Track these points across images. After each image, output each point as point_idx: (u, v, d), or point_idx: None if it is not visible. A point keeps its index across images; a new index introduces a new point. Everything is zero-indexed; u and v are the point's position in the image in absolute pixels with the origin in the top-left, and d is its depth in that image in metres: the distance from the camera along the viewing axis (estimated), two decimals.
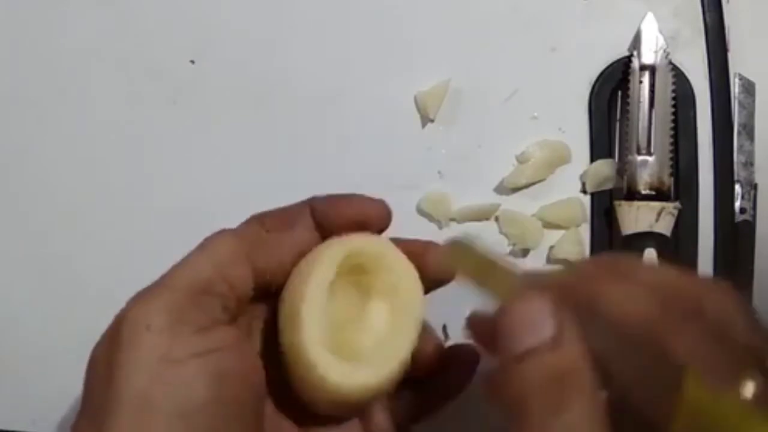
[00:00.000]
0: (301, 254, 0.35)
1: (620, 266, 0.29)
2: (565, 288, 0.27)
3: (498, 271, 0.29)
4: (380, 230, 0.37)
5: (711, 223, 0.49)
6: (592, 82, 0.49)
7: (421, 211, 0.50)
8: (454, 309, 0.50)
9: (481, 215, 0.50)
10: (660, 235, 0.47)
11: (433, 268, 0.36)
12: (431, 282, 0.36)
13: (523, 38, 0.50)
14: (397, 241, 0.37)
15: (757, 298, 0.50)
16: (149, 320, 0.31)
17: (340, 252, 0.34)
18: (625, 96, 0.48)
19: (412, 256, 0.36)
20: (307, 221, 0.36)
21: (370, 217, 0.36)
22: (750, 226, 0.49)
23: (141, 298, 0.32)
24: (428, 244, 0.37)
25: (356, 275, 0.35)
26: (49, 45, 0.51)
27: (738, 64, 0.49)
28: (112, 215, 0.51)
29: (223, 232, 0.35)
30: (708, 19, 0.49)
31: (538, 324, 0.26)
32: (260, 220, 0.36)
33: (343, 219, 0.35)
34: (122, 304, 0.33)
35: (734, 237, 0.49)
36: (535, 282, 0.28)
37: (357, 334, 0.35)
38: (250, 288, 0.34)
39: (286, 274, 0.35)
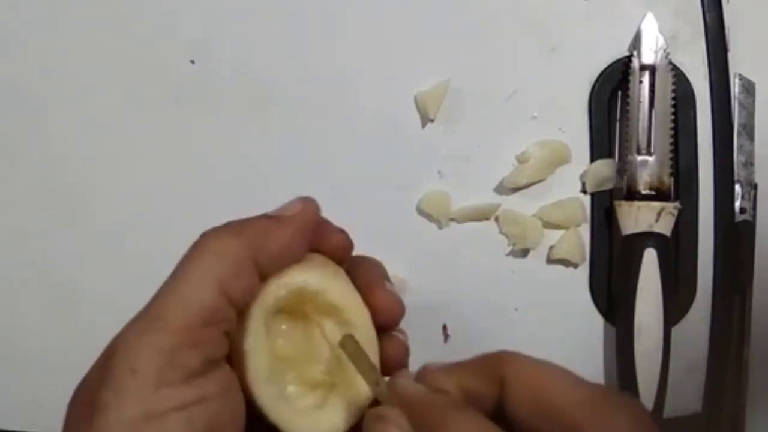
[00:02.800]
0: (306, 238, 0.33)
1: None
2: (418, 408, 0.30)
3: (372, 370, 0.32)
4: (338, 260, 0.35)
5: (711, 223, 0.49)
6: (592, 82, 0.49)
7: (421, 211, 0.50)
8: (454, 309, 0.50)
9: (481, 215, 0.50)
10: (660, 235, 0.47)
11: (380, 310, 0.34)
12: (377, 322, 0.34)
13: (523, 38, 0.50)
14: (356, 263, 0.35)
15: (757, 298, 0.50)
16: (136, 363, 0.28)
17: (280, 290, 0.32)
18: (625, 96, 0.48)
19: (362, 291, 0.34)
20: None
21: (337, 250, 0.35)
22: (750, 226, 0.49)
23: (132, 331, 0.29)
24: (377, 282, 0.35)
25: (304, 306, 0.34)
26: (48, 45, 0.51)
27: (738, 64, 0.49)
28: (112, 215, 0.51)
29: (220, 232, 0.31)
30: (708, 19, 0.49)
31: None
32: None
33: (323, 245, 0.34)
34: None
35: (734, 237, 0.49)
36: (396, 390, 0.31)
37: (311, 367, 0.33)
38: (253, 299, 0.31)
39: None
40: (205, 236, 0.31)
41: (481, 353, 0.30)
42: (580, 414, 0.28)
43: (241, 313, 0.31)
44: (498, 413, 0.29)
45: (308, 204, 0.33)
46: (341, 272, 0.34)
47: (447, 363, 0.31)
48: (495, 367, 0.30)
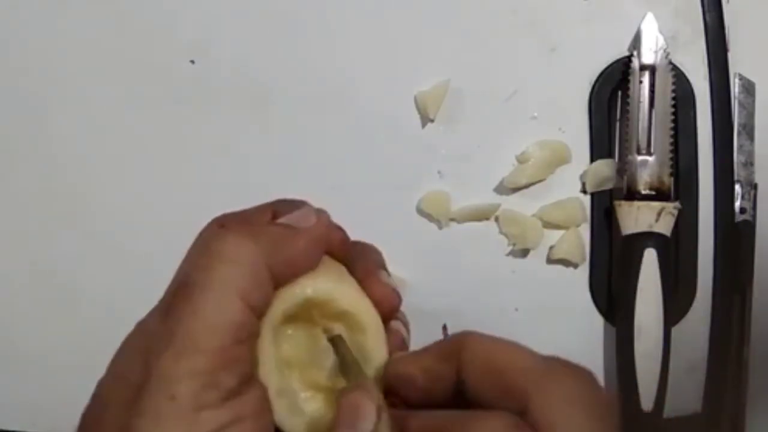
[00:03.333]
0: (320, 251, 0.32)
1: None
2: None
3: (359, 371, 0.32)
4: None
5: (711, 223, 0.49)
6: (592, 82, 0.49)
7: (421, 211, 0.50)
8: (454, 309, 0.50)
9: (481, 215, 0.50)
10: (660, 235, 0.47)
11: (375, 303, 0.33)
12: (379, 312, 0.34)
13: (523, 38, 0.50)
14: (354, 253, 0.34)
15: (757, 298, 0.50)
16: (174, 389, 0.27)
17: (287, 303, 0.31)
18: (625, 96, 0.48)
19: (359, 283, 0.34)
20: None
21: (337, 247, 0.34)
22: (750, 226, 0.49)
23: (165, 356, 0.28)
24: (373, 273, 0.34)
25: (311, 311, 0.33)
26: (48, 45, 0.51)
27: (738, 64, 0.49)
28: (112, 215, 0.51)
29: (237, 236, 0.30)
30: (708, 19, 0.49)
31: (366, 414, 0.29)
32: (264, 211, 0.33)
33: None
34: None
35: (734, 237, 0.49)
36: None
37: (315, 371, 0.33)
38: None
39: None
40: (220, 239, 0.30)
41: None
42: (526, 380, 0.28)
43: None
44: (459, 392, 0.30)
45: (323, 216, 0.33)
46: (346, 273, 0.34)
47: (412, 351, 0.32)
48: (454, 347, 0.30)
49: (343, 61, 0.50)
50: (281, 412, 0.31)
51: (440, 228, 0.50)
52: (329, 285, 0.32)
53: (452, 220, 0.50)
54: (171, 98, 0.50)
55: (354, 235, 0.50)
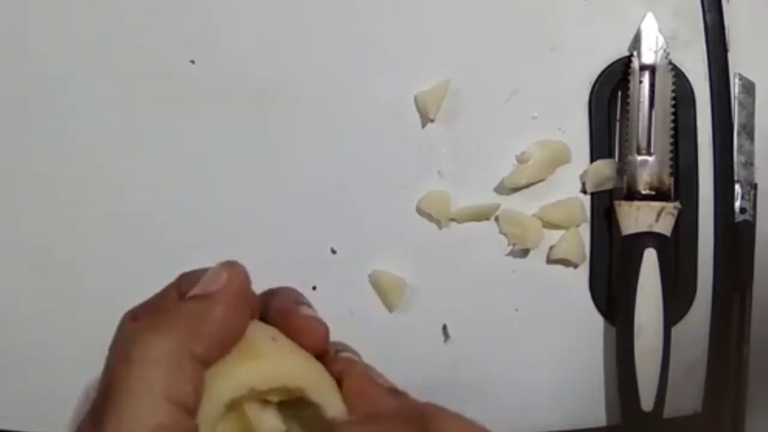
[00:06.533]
0: (245, 311, 0.29)
1: None
2: None
3: None
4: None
5: (711, 223, 0.49)
6: (592, 82, 0.49)
7: (421, 211, 0.50)
8: (454, 309, 0.50)
9: (481, 215, 0.50)
10: (660, 235, 0.47)
11: (304, 336, 0.30)
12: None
13: (523, 38, 0.50)
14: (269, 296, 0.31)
15: (757, 298, 0.50)
16: None
17: (224, 397, 0.28)
18: (625, 96, 0.48)
19: (279, 322, 0.30)
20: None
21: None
22: (750, 226, 0.49)
23: None
24: (292, 310, 0.31)
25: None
26: (48, 45, 0.51)
27: (738, 64, 0.49)
28: (113, 215, 0.51)
29: (146, 334, 0.27)
30: (708, 19, 0.49)
31: None
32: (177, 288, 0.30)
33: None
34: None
35: (734, 237, 0.49)
36: None
37: None
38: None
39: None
40: (135, 339, 0.27)
41: (405, 402, 0.28)
42: None
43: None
44: None
45: (234, 269, 0.30)
46: (283, 342, 0.30)
47: (370, 416, 0.29)
48: (421, 421, 0.27)
49: (343, 61, 0.50)
50: None
51: (440, 228, 0.50)
52: (271, 372, 0.29)
53: (452, 220, 0.50)
54: (171, 98, 0.50)
55: (354, 235, 0.50)
